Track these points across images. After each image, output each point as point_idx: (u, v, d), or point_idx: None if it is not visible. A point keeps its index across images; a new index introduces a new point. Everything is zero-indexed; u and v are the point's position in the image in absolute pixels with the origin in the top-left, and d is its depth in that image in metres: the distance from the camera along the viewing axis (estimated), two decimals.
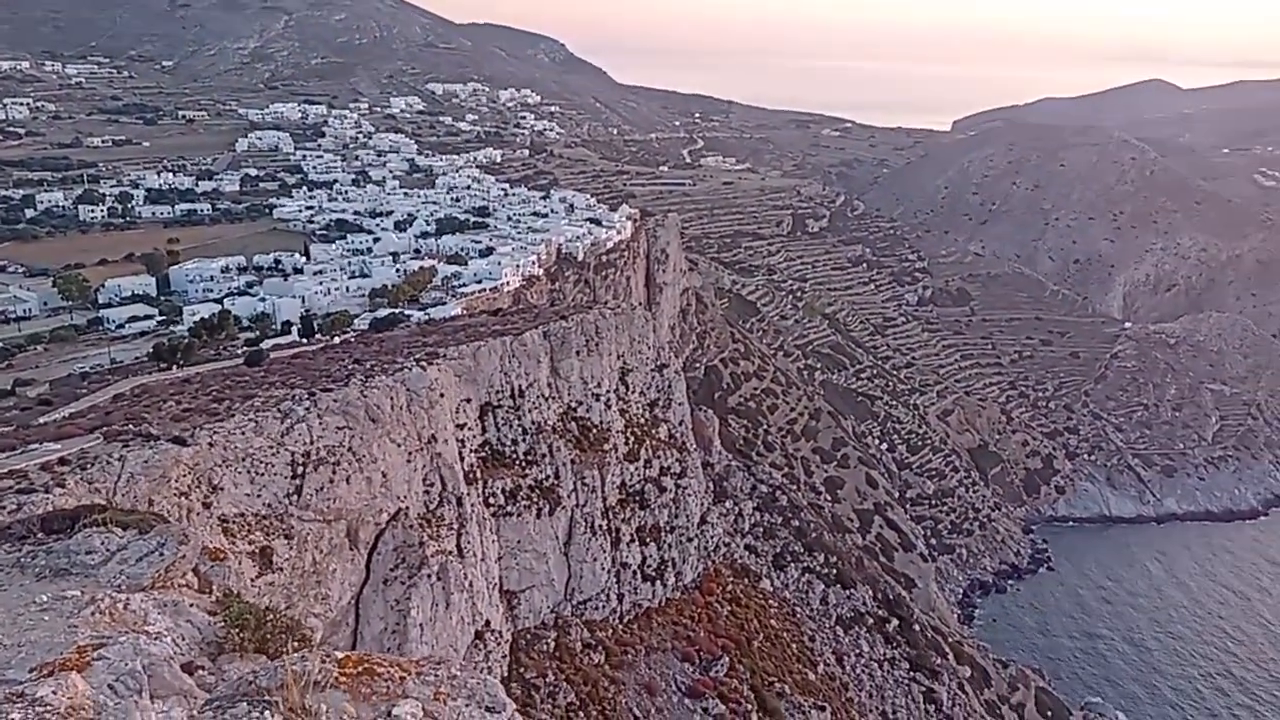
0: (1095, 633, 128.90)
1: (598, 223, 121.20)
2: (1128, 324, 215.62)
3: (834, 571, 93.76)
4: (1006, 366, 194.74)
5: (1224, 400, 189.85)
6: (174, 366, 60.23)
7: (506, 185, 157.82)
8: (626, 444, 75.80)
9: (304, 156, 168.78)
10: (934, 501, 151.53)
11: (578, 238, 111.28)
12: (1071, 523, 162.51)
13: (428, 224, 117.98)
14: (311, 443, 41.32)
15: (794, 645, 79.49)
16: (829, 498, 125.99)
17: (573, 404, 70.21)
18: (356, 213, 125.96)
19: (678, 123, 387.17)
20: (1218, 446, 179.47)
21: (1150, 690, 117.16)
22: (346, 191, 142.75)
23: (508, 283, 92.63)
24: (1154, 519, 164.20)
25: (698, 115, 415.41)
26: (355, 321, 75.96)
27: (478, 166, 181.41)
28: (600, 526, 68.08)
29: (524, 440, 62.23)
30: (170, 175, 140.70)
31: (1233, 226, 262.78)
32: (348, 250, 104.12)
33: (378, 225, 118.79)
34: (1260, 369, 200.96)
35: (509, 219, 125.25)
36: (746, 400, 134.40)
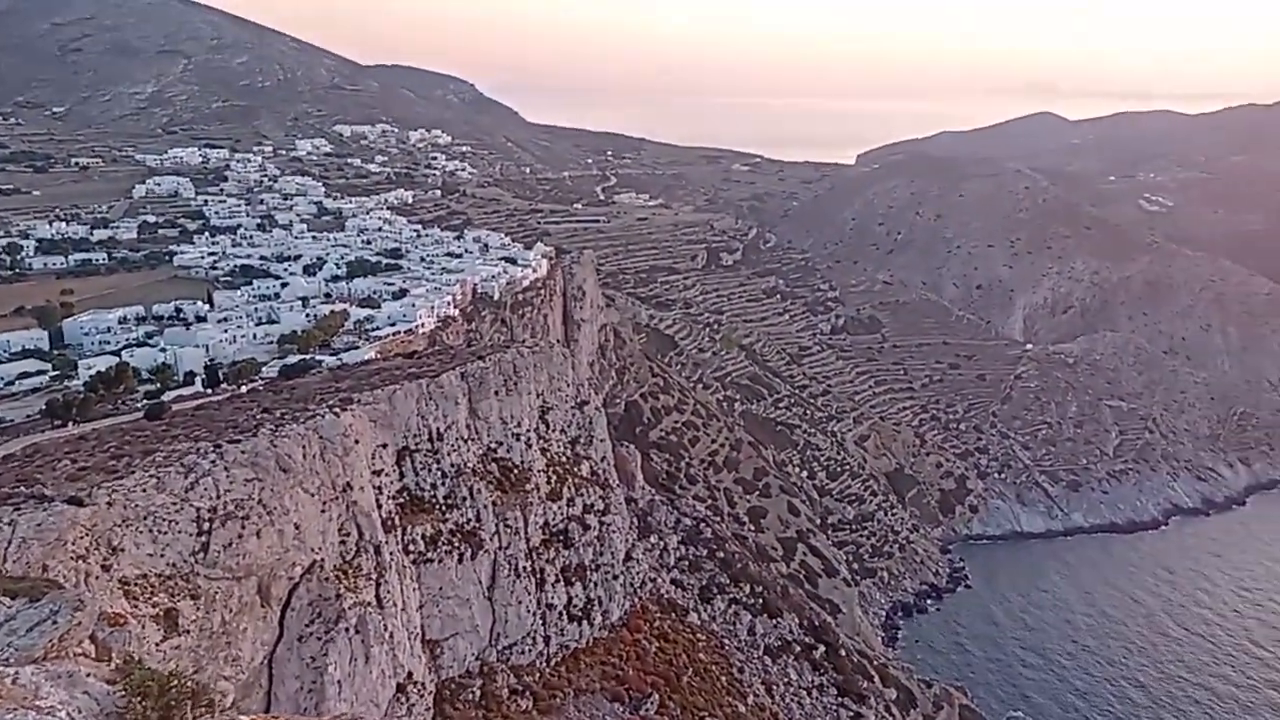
0: (1013, 648, 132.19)
1: (513, 261, 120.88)
2: (1029, 346, 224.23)
3: (760, 601, 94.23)
4: (918, 391, 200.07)
5: (1122, 416, 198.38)
6: (69, 423, 57.50)
7: (419, 226, 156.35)
8: (549, 483, 75.17)
9: (206, 202, 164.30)
10: (855, 526, 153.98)
11: (493, 277, 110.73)
12: (986, 540, 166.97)
13: (338, 267, 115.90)
14: (218, 497, 39.89)
15: (723, 678, 79.39)
16: (753, 527, 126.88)
17: (493, 445, 69.42)
18: (263, 258, 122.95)
19: (590, 160, 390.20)
20: (1118, 461, 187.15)
21: (1066, 702, 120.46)
22: (252, 236, 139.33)
23: (423, 324, 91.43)
24: (1062, 533, 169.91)
25: (610, 153, 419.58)
26: (263, 369, 73.85)
27: (389, 208, 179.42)
28: (524, 568, 67.15)
29: (444, 484, 61.19)
30: (63, 224, 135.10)
31: (1121, 250, 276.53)
32: (254, 296, 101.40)
33: (285, 270, 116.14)
34: (1154, 384, 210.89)
35: (422, 260, 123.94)
36: (668, 434, 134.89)
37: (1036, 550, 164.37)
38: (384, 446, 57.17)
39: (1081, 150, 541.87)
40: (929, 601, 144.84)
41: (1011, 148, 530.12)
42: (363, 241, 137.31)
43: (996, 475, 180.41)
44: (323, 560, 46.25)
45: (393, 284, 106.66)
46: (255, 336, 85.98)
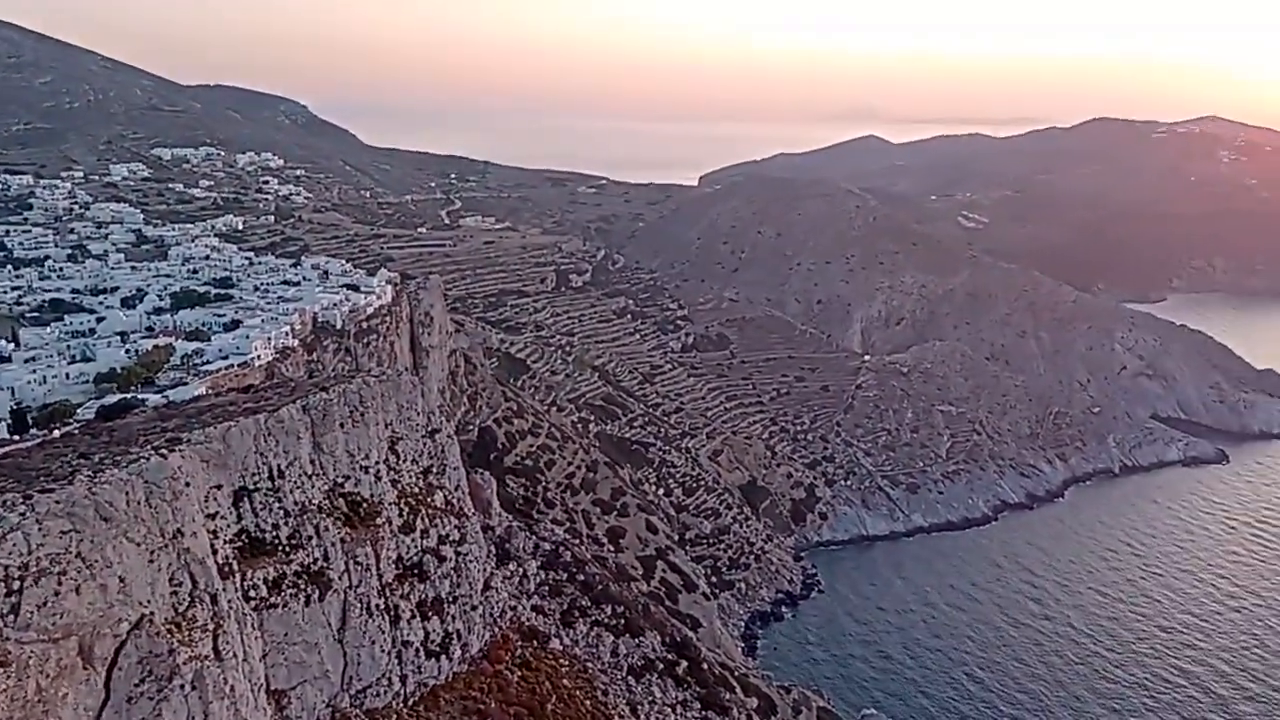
0: (864, 648, 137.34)
1: (355, 288, 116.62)
2: (867, 356, 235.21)
3: (622, 621, 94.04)
4: (767, 404, 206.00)
5: (952, 420, 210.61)
6: None
7: (251, 254, 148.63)
8: (401, 516, 72.55)
9: (7, 232, 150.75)
10: (712, 540, 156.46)
11: (335, 305, 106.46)
12: (835, 546, 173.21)
13: (161, 299, 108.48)
14: (29, 552, 36.20)
15: (588, 702, 78.58)
16: (612, 548, 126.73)
17: (339, 479, 66.40)
18: (75, 291, 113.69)
19: (433, 184, 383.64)
20: (951, 462, 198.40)
21: (915, 694, 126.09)
22: (61, 268, 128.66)
23: (259, 357, 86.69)
24: (905, 534, 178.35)
25: (454, 176, 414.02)
26: (79, 411, 67.99)
27: (216, 235, 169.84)
28: (377, 606, 64.38)
29: (286, 524, 57.90)
30: None
31: (945, 264, 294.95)
32: (66, 333, 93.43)
33: (101, 303, 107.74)
34: (979, 389, 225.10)
35: (256, 289, 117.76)
36: (523, 458, 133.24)
37: (882, 552, 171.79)
38: (218, 488, 53.63)
39: (904, 171, 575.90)
40: (785, 609, 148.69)
41: (842, 169, 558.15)
42: (189, 271, 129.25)
43: (843, 482, 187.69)
44: (152, 614, 42.74)
45: (224, 315, 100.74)
46: (68, 376, 79.12)
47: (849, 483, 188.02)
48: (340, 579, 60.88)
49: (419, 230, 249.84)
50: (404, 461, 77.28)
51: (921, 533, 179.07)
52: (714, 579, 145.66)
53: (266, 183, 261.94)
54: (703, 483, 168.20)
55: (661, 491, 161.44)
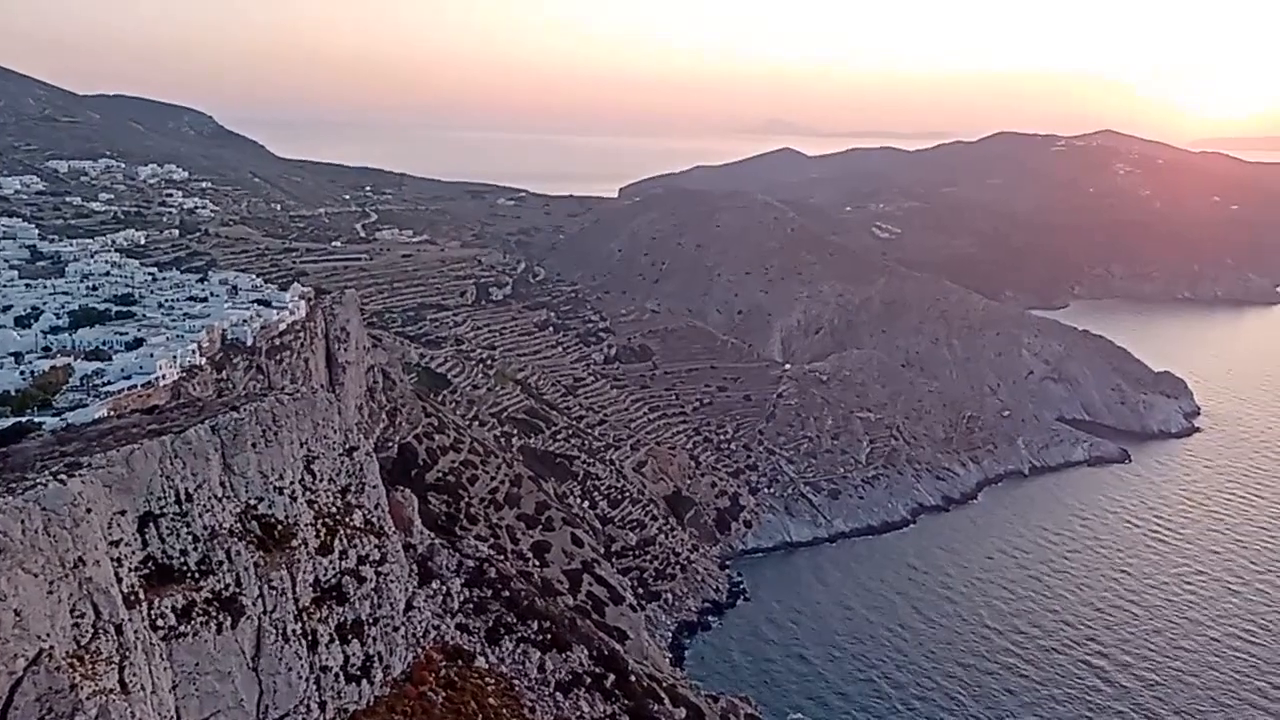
0: (790, 653, 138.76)
1: (267, 304, 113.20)
2: (787, 365, 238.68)
3: (549, 637, 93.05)
4: (690, 414, 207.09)
5: (871, 426, 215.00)
6: None
7: (155, 269, 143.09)
8: (318, 537, 70.45)
9: None
10: (638, 552, 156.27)
11: (245, 321, 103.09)
12: (760, 553, 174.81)
13: (59, 317, 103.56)
14: None
15: None
16: (537, 563, 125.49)
17: (252, 501, 64.18)
18: None
19: (348, 196, 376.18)
20: (870, 468, 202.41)
21: (836, 698, 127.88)
22: None
23: (164, 376, 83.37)
24: (827, 539, 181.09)
25: (369, 188, 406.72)
26: None
27: (118, 250, 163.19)
28: (294, 631, 62.30)
29: (196, 549, 55.64)
30: None
31: (861, 273, 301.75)
32: None
33: None
34: (896, 396, 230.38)
35: (160, 306, 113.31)
36: (445, 474, 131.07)
37: (806, 558, 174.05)
38: (122, 513, 51.25)
39: (820, 183, 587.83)
40: (712, 618, 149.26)
41: (759, 181, 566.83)
42: (88, 288, 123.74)
43: (766, 490, 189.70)
44: (52, 647, 40.53)
45: (126, 333, 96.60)
46: None
47: (772, 490, 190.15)
48: (254, 604, 58.76)
49: (334, 244, 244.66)
50: (320, 481, 75.16)
51: (843, 537, 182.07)
52: (641, 590, 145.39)
53: (170, 195, 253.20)
54: (628, 494, 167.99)
55: (587, 504, 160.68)
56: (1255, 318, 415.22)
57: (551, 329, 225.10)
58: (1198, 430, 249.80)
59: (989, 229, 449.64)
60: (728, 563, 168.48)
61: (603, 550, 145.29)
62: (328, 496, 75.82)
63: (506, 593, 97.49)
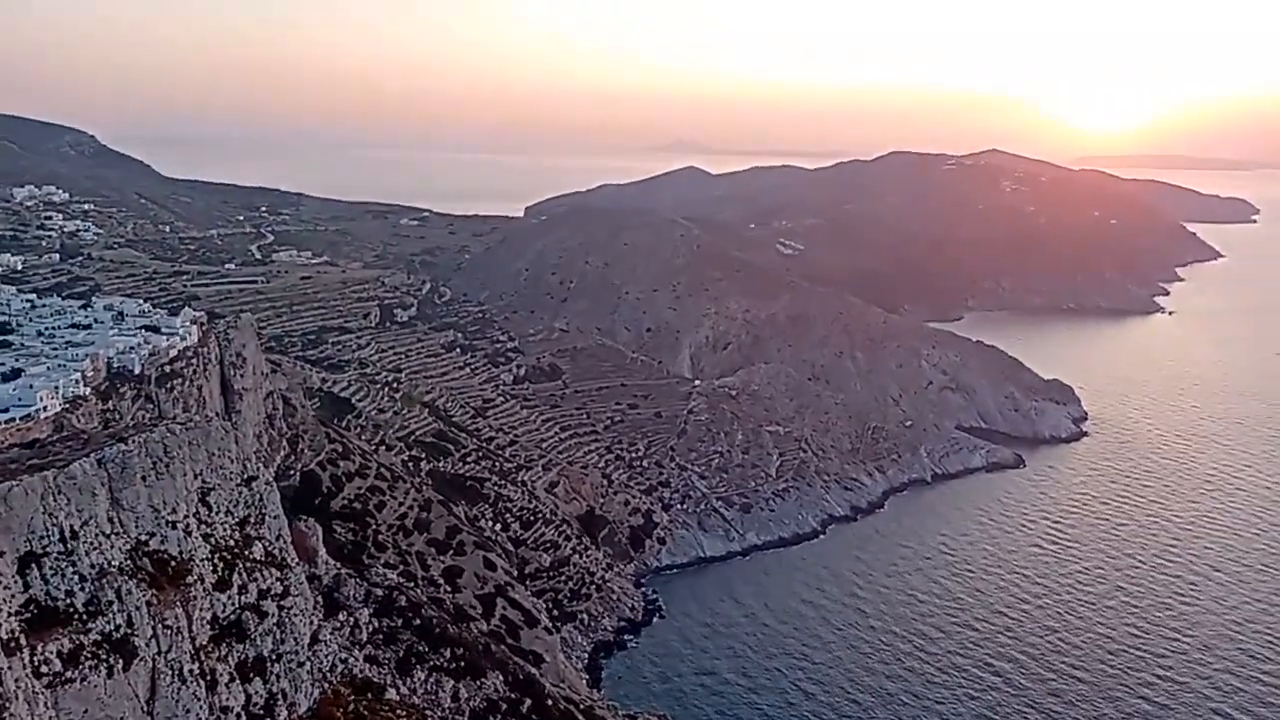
0: (705, 667, 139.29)
1: (156, 330, 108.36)
2: (697, 382, 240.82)
3: (462, 664, 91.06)
4: (602, 433, 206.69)
5: (780, 439, 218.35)
6: None
7: (33, 295, 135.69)
8: (215, 572, 67.41)
9: None
10: (552, 573, 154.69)
11: (132, 349, 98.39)
12: (675, 570, 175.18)
13: None
14: None
15: None
16: (449, 588, 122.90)
17: (143, 537, 61.02)
18: None
19: (242, 217, 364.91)
20: (780, 480, 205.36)
21: (755, 710, 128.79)
22: None
23: (45, 408, 78.83)
24: (740, 553, 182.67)
25: (264, 209, 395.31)
26: None
27: None
28: (191, 672, 59.32)
29: (83, 589, 52.51)
30: None
31: (767, 289, 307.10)
32: None
33: None
34: (803, 409, 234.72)
35: (40, 334, 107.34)
36: (351, 502, 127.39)
37: (719, 572, 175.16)
38: (0, 554, 48.03)
39: (724, 201, 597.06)
40: (628, 637, 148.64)
41: (665, 199, 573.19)
42: None
43: (679, 506, 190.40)
44: None
45: (3, 364, 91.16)
46: None
47: (685, 506, 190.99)
48: (147, 645, 55.75)
49: (227, 266, 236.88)
50: (217, 513, 72.07)
51: (756, 550, 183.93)
52: (556, 612, 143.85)
53: (50, 218, 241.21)
54: (540, 515, 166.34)
55: (499, 527, 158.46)
56: (1135, 326, 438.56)
57: (459, 350, 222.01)
58: (1085, 435, 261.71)
59: (887, 245, 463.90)
60: (643, 580, 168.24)
61: (516, 573, 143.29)
62: (225, 529, 72.71)
63: (418, 621, 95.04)
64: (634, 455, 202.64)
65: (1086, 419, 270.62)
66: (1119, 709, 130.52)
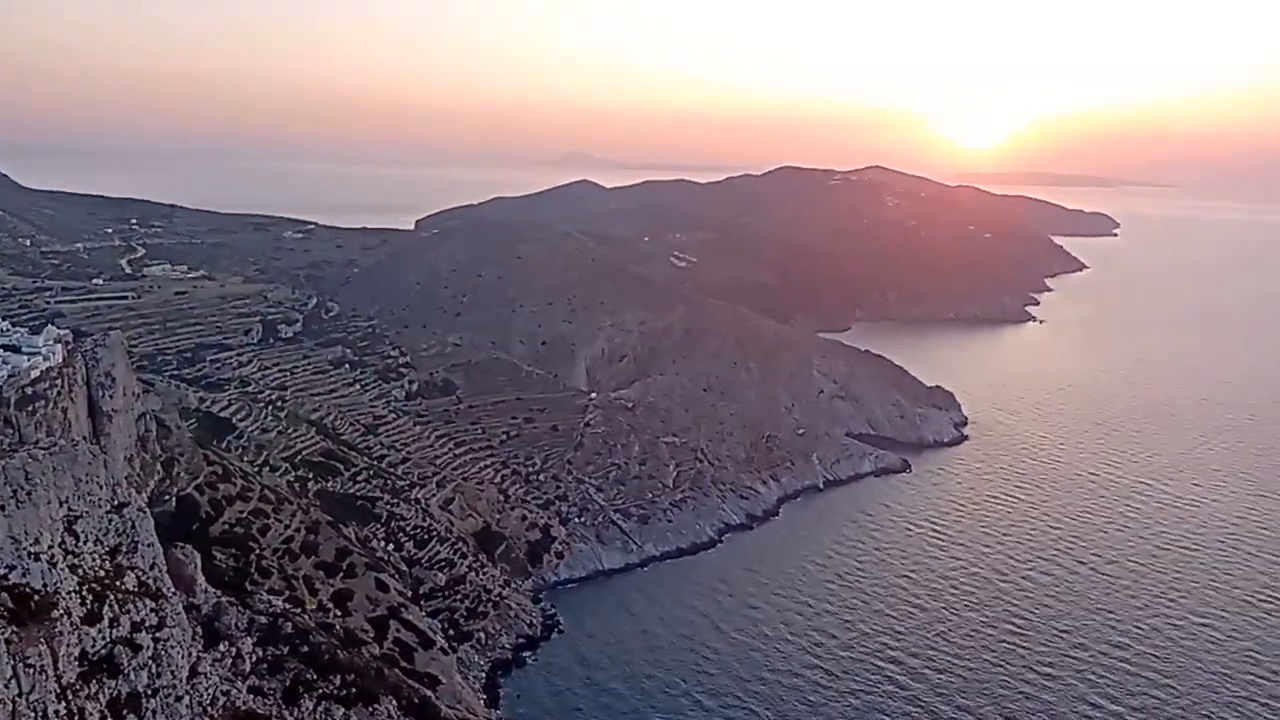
0: (604, 680, 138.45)
1: (15, 350, 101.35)
2: (593, 394, 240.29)
3: (353, 690, 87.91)
4: (498, 447, 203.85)
5: (677, 450, 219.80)
6: None
7: None
8: (84, 605, 63.44)
9: None
10: (448, 592, 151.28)
11: None
12: (573, 584, 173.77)
13: None
14: None
15: None
16: (339, 612, 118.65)
17: (2, 571, 56.87)
18: None
19: (110, 230, 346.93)
20: (678, 491, 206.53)
21: None
22: None
23: None
24: (639, 564, 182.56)
25: (135, 221, 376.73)
26: None
27: None
28: (57, 713, 55.42)
29: None
30: None
31: (661, 302, 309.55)
32: None
33: None
34: (699, 420, 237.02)
35: None
36: (232, 526, 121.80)
37: (618, 585, 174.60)
38: None
39: (618, 214, 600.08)
40: (527, 654, 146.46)
41: (559, 212, 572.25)
42: None
43: (577, 519, 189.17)
44: None
45: None
46: None
47: (583, 519, 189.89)
48: (8, 686, 51.80)
49: (94, 281, 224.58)
50: (85, 543, 67.91)
51: (655, 561, 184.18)
52: (452, 632, 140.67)
53: None
54: (435, 533, 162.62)
55: (391, 547, 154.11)
56: (1009, 335, 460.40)
57: (348, 366, 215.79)
58: (966, 438, 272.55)
59: (778, 257, 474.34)
60: (541, 596, 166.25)
61: (410, 593, 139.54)
62: (94, 559, 68.51)
63: (305, 648, 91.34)
64: (530, 469, 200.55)
65: (967, 423, 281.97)
66: (1001, 705, 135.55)
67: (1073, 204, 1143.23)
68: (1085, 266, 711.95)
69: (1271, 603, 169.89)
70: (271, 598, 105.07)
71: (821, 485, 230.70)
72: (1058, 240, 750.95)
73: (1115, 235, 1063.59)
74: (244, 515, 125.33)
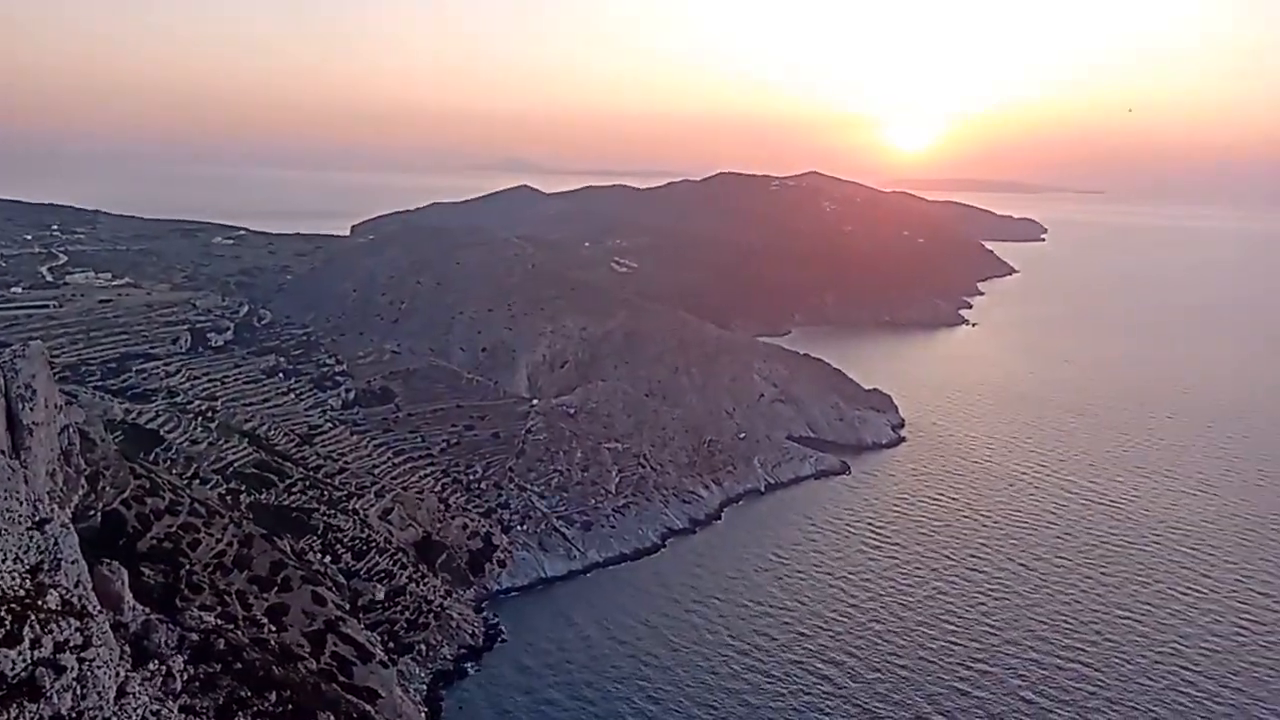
0: (549, 691, 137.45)
1: None
2: (535, 401, 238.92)
3: (289, 707, 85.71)
4: (438, 456, 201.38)
5: (619, 456, 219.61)
6: None
7: None
8: (2, 626, 60.66)
9: None
10: (387, 604, 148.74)
11: None
12: (516, 593, 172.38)
13: None
14: None
15: None
16: (274, 627, 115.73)
17: None
18: None
19: (29, 236, 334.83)
20: (620, 497, 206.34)
21: None
22: None
23: None
24: (582, 571, 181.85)
25: (56, 227, 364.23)
26: None
27: None
28: None
29: None
30: None
31: (602, 307, 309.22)
32: None
33: None
34: (641, 425, 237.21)
35: None
36: (161, 541, 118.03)
37: (561, 592, 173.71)
38: None
39: (559, 220, 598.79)
40: (469, 665, 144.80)
41: (497, 218, 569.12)
42: None
43: (519, 527, 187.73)
44: None
45: None
46: None
47: (525, 527, 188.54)
48: None
49: (13, 290, 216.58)
50: (5, 561, 65.14)
51: (598, 568, 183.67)
52: (392, 644, 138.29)
53: None
54: (374, 544, 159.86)
55: (329, 559, 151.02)
56: (943, 338, 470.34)
57: (281, 375, 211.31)
58: (904, 440, 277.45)
59: (718, 262, 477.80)
60: (483, 605, 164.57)
61: (349, 606, 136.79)
62: (13, 578, 65.71)
63: (239, 664, 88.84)
64: (472, 478, 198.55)
65: (904, 425, 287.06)
66: (936, 703, 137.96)
67: (1001, 209, 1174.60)
68: (1015, 271, 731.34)
69: (1192, 595, 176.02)
70: (203, 614, 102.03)
71: (763, 488, 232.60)
72: (988, 245, 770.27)
73: (1043, 240, 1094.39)
74: (173, 530, 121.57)
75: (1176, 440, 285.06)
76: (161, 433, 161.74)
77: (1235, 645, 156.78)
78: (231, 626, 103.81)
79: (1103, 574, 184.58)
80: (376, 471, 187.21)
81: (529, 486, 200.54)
